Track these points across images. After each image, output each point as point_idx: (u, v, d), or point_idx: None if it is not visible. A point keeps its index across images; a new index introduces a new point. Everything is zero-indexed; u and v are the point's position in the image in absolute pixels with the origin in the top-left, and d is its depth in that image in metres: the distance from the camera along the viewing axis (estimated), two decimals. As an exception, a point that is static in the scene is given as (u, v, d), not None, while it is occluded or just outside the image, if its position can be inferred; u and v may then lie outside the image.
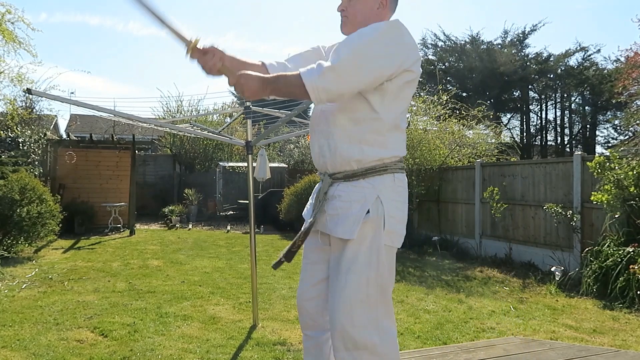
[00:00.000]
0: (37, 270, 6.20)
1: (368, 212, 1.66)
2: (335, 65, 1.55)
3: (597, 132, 20.43)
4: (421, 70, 1.74)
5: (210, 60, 1.67)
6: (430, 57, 20.81)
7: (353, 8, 1.77)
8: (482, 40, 20.00)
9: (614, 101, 15.78)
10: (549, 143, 21.43)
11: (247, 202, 4.27)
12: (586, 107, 20.10)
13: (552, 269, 6.07)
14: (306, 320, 1.91)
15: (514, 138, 18.94)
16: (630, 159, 5.75)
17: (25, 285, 5.37)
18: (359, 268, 1.66)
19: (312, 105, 1.95)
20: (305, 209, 1.92)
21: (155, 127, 5.45)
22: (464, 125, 10.27)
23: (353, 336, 1.64)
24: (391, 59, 1.60)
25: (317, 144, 1.80)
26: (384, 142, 1.70)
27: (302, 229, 1.78)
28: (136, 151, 11.58)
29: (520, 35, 19.72)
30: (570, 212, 6.31)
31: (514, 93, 20.64)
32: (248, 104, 4.18)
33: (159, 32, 43.45)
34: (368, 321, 1.65)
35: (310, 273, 1.89)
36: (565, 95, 20.49)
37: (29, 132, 9.92)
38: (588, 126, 20.57)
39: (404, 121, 1.76)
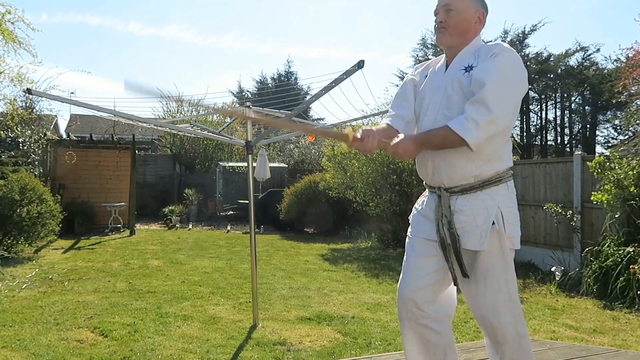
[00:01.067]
0: (37, 270, 6.20)
1: (493, 223, 1.81)
2: (492, 119, 1.69)
3: (597, 132, 20.42)
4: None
5: (369, 143, 1.79)
6: (430, 57, 20.79)
7: (453, 20, 1.88)
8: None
9: (614, 101, 15.76)
10: (549, 143, 21.42)
11: (247, 202, 4.27)
12: (586, 107, 20.08)
13: (552, 269, 6.07)
14: (412, 310, 1.92)
15: (514, 138, 18.91)
16: (630, 158, 5.74)
17: (25, 285, 5.37)
18: (496, 272, 1.83)
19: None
20: (416, 222, 2.01)
21: (155, 127, 5.45)
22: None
23: (503, 332, 1.83)
24: (525, 87, 1.83)
25: (430, 163, 1.90)
26: (501, 155, 1.85)
27: (448, 249, 1.86)
28: (136, 151, 11.58)
29: (520, 35, 19.71)
30: (570, 212, 6.31)
31: (514, 93, 20.63)
32: (248, 104, 4.18)
33: (159, 32, 43.45)
34: (514, 317, 1.85)
35: (418, 266, 1.95)
36: (565, 95, 20.48)
37: (29, 132, 9.92)
38: (588, 126, 20.55)
39: (510, 132, 1.94)
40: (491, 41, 2.17)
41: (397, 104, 2.07)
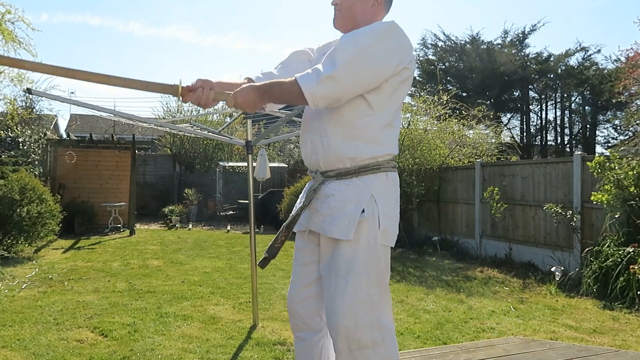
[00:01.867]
0: (37, 270, 6.20)
1: (363, 211, 1.64)
2: (333, 73, 1.54)
3: (597, 132, 20.42)
4: (416, 67, 1.73)
5: (202, 94, 1.67)
6: (430, 57, 20.80)
7: (347, 2, 1.75)
8: (482, 40, 20.00)
9: (614, 101, 15.78)
10: (549, 143, 21.42)
11: (247, 202, 4.27)
12: (586, 107, 20.08)
13: (552, 269, 6.07)
14: (297, 323, 1.90)
15: (514, 138, 18.93)
16: (630, 159, 5.74)
17: (25, 285, 5.37)
18: (359, 269, 1.64)
19: None
20: (295, 207, 1.88)
21: (155, 127, 5.44)
22: (464, 125, 10.27)
23: (358, 337, 1.63)
24: (389, 61, 1.60)
25: (309, 141, 1.78)
26: (378, 139, 1.69)
27: (285, 223, 1.78)
28: (136, 151, 11.57)
29: (520, 35, 19.71)
30: (570, 212, 6.31)
31: (514, 93, 20.64)
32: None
33: (159, 32, 43.47)
34: (371, 321, 1.65)
35: (300, 275, 1.87)
36: (565, 95, 20.48)
37: (29, 132, 9.92)
38: (588, 126, 20.55)
39: (397, 119, 1.76)
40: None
41: (278, 67, 1.92)
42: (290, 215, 1.80)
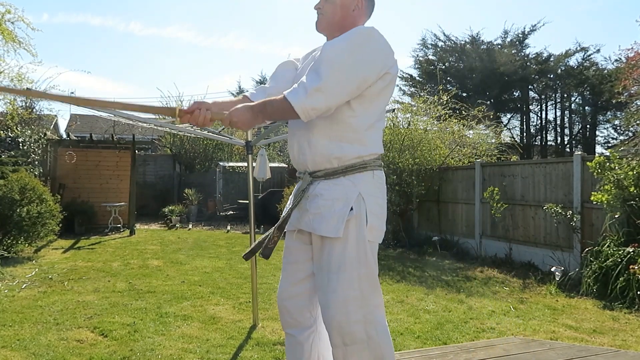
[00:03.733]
0: (37, 270, 6.20)
1: (352, 209, 1.70)
2: (319, 86, 1.60)
3: (597, 132, 20.44)
4: (398, 70, 1.78)
5: (199, 116, 1.71)
6: (430, 57, 20.82)
7: (329, 6, 1.81)
8: (482, 40, 20.01)
9: (614, 101, 15.76)
10: (549, 143, 21.43)
11: (247, 202, 4.27)
12: (586, 107, 20.10)
13: (552, 269, 6.07)
14: (287, 319, 1.93)
15: (514, 138, 18.93)
16: (630, 159, 5.75)
17: (25, 285, 5.37)
18: (349, 265, 1.70)
19: None
20: (285, 209, 1.94)
21: (155, 127, 5.45)
22: (464, 125, 10.27)
23: (351, 331, 1.69)
24: (372, 68, 1.66)
25: (296, 143, 1.84)
26: (363, 140, 1.75)
27: (277, 223, 1.83)
28: (136, 151, 11.57)
29: (520, 35, 19.72)
30: (570, 212, 6.31)
31: (514, 93, 20.65)
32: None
33: (160, 32, 43.41)
34: (363, 316, 1.70)
35: (290, 272, 1.92)
36: (565, 95, 20.49)
37: (29, 132, 9.92)
38: (588, 126, 20.56)
39: (382, 120, 1.82)
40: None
41: (270, 79, 2.01)
42: (282, 216, 1.84)
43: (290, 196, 1.95)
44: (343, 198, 1.72)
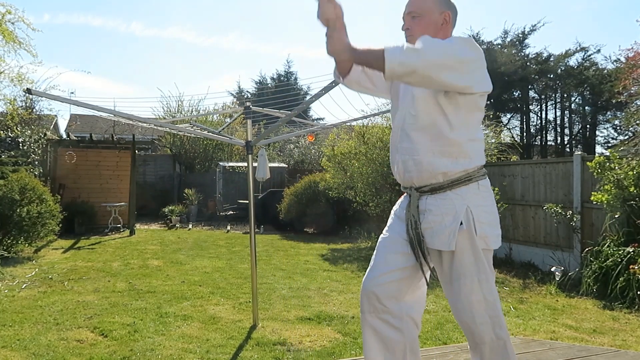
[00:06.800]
0: (37, 270, 6.20)
1: (461, 223, 1.78)
2: (417, 47, 1.63)
3: (597, 132, 20.42)
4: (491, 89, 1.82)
5: (328, 6, 1.66)
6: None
7: (419, 26, 1.85)
8: (482, 40, 19.98)
9: (614, 101, 15.77)
10: (549, 143, 21.42)
11: (247, 202, 4.27)
12: (586, 107, 20.08)
13: (552, 269, 6.07)
14: (374, 304, 1.92)
15: (514, 138, 18.92)
16: (630, 159, 5.74)
17: (25, 285, 5.37)
18: (468, 273, 1.82)
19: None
20: (391, 221, 2.03)
21: (155, 127, 5.44)
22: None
23: (479, 332, 1.82)
24: (466, 51, 1.70)
25: (400, 161, 1.90)
26: (466, 153, 1.82)
27: (414, 244, 1.86)
28: (136, 151, 11.58)
29: (520, 35, 19.70)
30: (570, 212, 6.31)
31: (514, 93, 20.62)
32: (248, 104, 4.17)
33: (161, 33, 43.36)
34: (490, 318, 1.83)
35: (386, 261, 1.95)
36: (565, 95, 20.47)
37: (29, 132, 9.92)
38: (588, 126, 20.55)
39: (479, 132, 1.89)
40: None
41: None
42: (411, 236, 1.88)
43: (395, 209, 2.04)
44: (452, 212, 1.80)
